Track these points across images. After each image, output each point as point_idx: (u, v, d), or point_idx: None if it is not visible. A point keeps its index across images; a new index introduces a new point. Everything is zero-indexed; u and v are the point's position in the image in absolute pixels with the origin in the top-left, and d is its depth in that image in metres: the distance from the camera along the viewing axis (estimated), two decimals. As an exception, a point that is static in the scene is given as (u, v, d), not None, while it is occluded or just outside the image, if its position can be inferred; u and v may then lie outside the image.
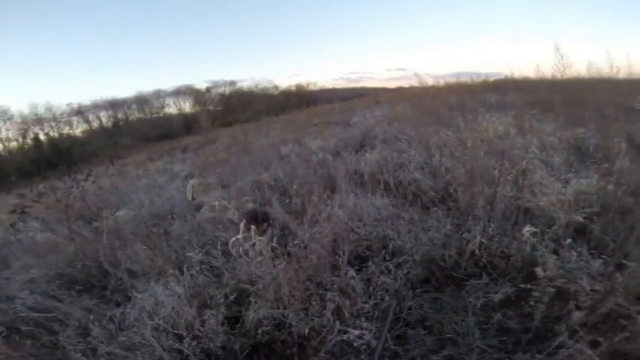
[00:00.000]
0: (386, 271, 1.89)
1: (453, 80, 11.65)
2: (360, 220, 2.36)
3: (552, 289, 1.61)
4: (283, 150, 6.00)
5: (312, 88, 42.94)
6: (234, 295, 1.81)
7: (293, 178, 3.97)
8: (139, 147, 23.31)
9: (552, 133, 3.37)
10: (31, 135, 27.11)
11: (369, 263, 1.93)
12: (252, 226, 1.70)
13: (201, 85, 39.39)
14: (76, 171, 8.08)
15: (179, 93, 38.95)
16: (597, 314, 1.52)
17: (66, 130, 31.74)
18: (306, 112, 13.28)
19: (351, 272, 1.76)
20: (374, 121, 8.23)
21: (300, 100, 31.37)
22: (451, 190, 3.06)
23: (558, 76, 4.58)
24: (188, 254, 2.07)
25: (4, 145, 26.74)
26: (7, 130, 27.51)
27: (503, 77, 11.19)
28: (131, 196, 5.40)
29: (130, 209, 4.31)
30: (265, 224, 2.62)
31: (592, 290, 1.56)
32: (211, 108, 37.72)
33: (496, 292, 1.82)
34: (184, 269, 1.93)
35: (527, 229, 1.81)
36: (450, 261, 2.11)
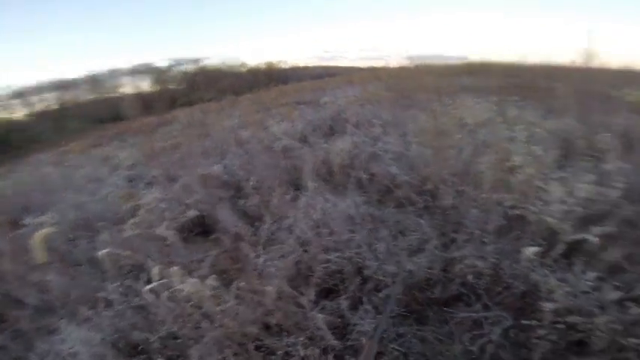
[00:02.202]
0: (362, 310, 1.48)
1: (421, 62, 11.60)
2: (331, 235, 1.90)
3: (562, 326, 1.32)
4: (243, 134, 5.34)
5: (283, 66, 40.93)
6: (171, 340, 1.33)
7: (250, 171, 3.42)
8: (90, 130, 20.97)
9: (536, 123, 3.08)
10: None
11: (341, 298, 1.50)
12: (175, 268, 1.18)
13: (163, 64, 36.00)
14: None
15: (137, 72, 35.42)
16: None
17: (3, 115, 27.69)
18: (275, 91, 12.35)
19: (319, 317, 1.32)
20: (345, 101, 7.71)
21: (270, 78, 29.79)
22: (430, 187, 2.72)
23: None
24: (99, 295, 1.53)
25: None
26: None
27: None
28: (63, 193, 4.54)
29: (55, 212, 3.54)
30: (209, 240, 2.11)
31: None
32: (173, 86, 34.85)
33: (492, 325, 1.49)
34: (100, 309, 1.40)
35: (531, 250, 1.48)
36: (435, 281, 1.76)
